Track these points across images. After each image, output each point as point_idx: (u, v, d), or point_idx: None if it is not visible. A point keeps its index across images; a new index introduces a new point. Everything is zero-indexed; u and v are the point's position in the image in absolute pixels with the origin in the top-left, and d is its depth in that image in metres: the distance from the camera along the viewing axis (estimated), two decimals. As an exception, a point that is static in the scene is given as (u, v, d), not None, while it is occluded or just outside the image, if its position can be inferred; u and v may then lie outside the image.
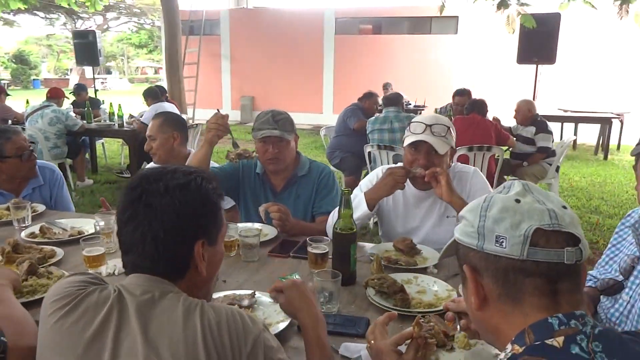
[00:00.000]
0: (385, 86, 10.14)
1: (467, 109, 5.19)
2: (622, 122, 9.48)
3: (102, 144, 7.99)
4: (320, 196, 2.34)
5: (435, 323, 1.29)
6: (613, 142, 9.43)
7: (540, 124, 5.21)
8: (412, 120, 2.00)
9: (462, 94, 6.18)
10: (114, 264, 1.70)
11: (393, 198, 2.12)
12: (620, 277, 1.45)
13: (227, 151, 2.20)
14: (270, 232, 2.11)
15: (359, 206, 1.99)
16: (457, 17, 12.42)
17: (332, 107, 13.78)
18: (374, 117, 5.11)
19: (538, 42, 7.42)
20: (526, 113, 5.31)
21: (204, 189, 1.02)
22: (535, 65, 7.69)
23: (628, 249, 1.48)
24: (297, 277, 1.51)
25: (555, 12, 7.28)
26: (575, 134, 9.24)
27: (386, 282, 1.48)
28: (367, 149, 4.88)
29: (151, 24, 31.75)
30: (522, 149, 5.26)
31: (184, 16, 12.17)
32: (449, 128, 1.96)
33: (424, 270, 1.75)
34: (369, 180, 2.17)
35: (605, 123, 9.24)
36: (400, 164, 2.13)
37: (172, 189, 0.98)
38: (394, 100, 5.01)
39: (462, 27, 12.58)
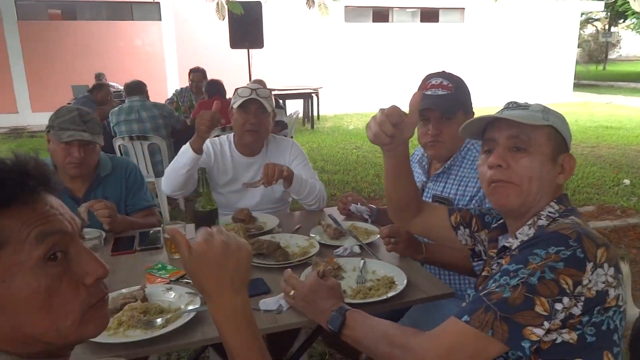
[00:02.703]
0: (98, 76, 9.40)
1: (208, 91, 5.39)
2: (317, 96, 11.28)
3: None
4: (132, 193, 2.21)
5: (322, 263, 1.53)
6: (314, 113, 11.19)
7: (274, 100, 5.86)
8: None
9: (197, 70, 6.48)
10: None
11: (223, 163, 2.26)
12: None
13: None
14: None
15: (186, 153, 2.12)
16: (159, 3, 12.31)
17: (29, 104, 11.89)
18: (117, 109, 4.79)
19: (247, 28, 8.11)
20: (260, 92, 5.87)
21: None
22: (247, 50, 8.40)
23: (417, 178, 2.00)
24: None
25: (257, 1, 8.08)
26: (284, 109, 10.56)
27: (263, 244, 1.62)
28: (117, 142, 4.59)
29: None
30: (261, 125, 5.80)
31: None
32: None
33: (271, 231, 1.95)
34: None
35: (307, 98, 10.85)
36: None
37: None
38: (137, 88, 4.80)
39: (165, 14, 12.52)
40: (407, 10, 14.75)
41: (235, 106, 2.19)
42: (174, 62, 12.54)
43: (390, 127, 1.18)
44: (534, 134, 1.10)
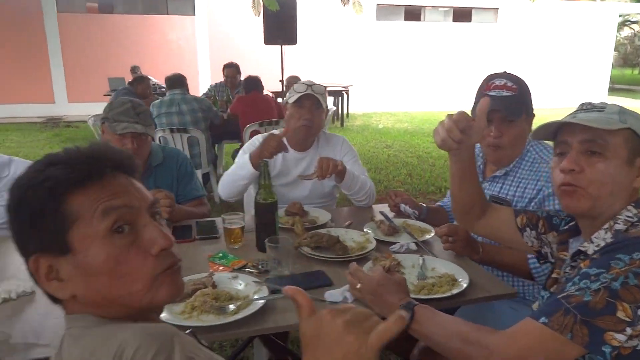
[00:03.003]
0: (134, 69, 9.60)
1: (246, 87, 5.46)
2: (347, 94, 11.28)
3: None
4: (184, 184, 2.27)
5: (384, 259, 1.55)
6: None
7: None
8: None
9: (230, 66, 6.59)
10: (12, 286, 1.38)
11: (274, 159, 2.29)
12: None
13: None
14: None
15: (245, 166, 2.14)
16: (194, 0, 12.49)
17: (66, 95, 12.20)
18: (158, 101, 4.90)
19: (281, 24, 8.14)
20: (295, 88, 5.93)
21: (19, 183, 0.74)
22: (280, 46, 8.44)
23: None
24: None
25: (292, -2, 8.10)
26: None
27: (322, 237, 1.65)
28: (158, 133, 4.68)
29: None
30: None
31: None
32: None
33: (324, 226, 1.98)
34: (251, 144, 2.31)
35: (337, 95, 10.87)
36: (276, 132, 2.27)
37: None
38: (178, 81, 4.89)
39: (199, 9, 12.68)
40: (440, 9, 14.61)
41: (290, 101, 2.23)
42: (207, 57, 12.70)
43: (458, 133, 1.19)
44: (610, 137, 1.08)
